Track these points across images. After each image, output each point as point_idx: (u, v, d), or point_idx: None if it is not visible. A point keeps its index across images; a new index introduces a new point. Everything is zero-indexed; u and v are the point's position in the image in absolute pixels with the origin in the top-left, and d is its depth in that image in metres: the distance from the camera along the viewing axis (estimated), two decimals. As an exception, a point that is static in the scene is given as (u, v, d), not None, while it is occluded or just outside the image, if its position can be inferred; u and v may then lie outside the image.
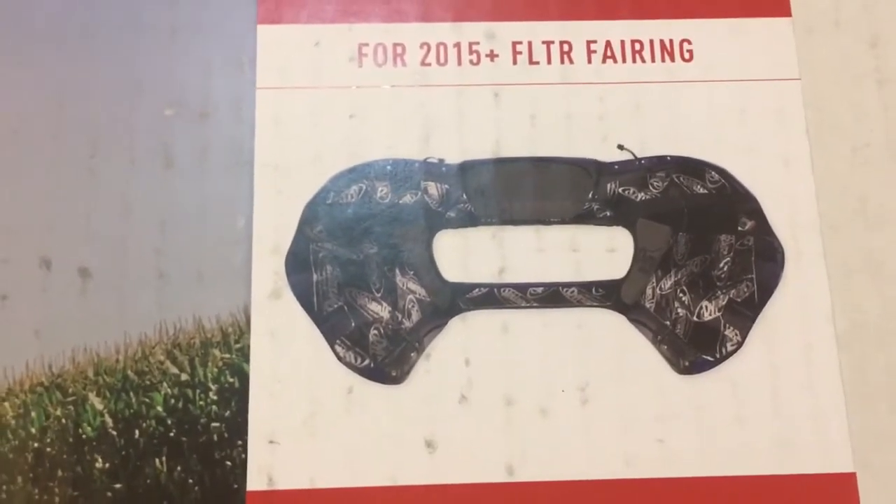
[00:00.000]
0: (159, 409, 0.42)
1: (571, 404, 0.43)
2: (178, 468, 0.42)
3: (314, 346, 0.44)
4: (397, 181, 0.46)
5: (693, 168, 0.47)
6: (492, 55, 0.48)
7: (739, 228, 0.46)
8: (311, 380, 0.43)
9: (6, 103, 0.46)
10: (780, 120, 0.48)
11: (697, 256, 0.46)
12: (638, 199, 0.46)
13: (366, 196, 0.46)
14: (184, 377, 0.43)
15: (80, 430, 0.42)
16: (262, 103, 0.47)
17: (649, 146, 0.47)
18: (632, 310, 0.45)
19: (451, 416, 0.43)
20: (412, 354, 0.44)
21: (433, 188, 0.46)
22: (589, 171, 0.46)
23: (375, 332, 0.44)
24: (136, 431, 0.42)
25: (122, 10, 0.48)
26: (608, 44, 0.48)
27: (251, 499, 0.42)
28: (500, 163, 0.46)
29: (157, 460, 0.42)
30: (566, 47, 0.48)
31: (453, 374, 0.44)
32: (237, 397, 0.43)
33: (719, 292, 0.45)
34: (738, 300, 0.45)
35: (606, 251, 0.46)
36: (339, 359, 0.43)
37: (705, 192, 0.46)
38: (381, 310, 0.44)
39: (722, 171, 0.47)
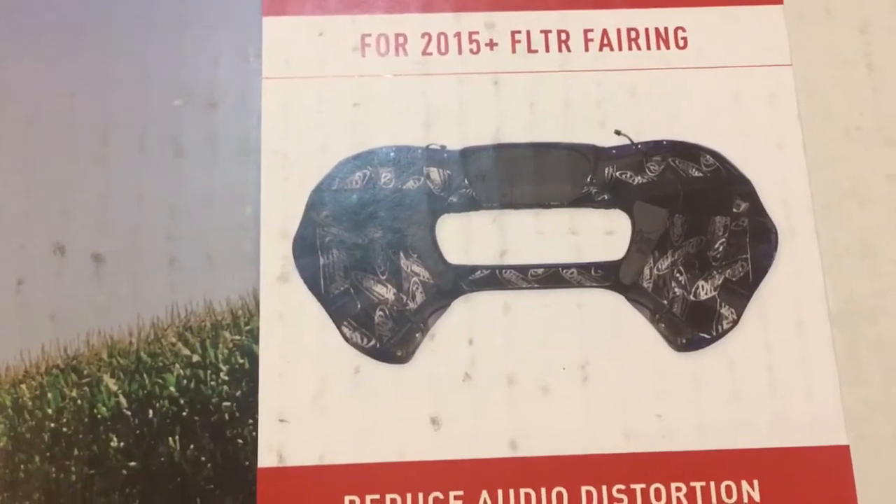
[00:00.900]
0: (172, 389, 0.44)
1: (572, 382, 0.45)
2: (191, 446, 0.43)
3: (321, 327, 0.45)
4: (400, 167, 0.47)
5: (688, 152, 0.48)
6: (491, 44, 0.49)
7: (734, 210, 0.47)
8: (319, 360, 0.45)
9: (21, 95, 0.47)
10: (772, 104, 0.49)
11: (693, 237, 0.47)
12: (635, 182, 0.47)
13: (370, 182, 0.47)
14: (195, 358, 0.44)
15: (96, 411, 0.43)
16: (269, 93, 0.48)
17: (645, 131, 0.48)
18: (630, 290, 0.46)
19: (455, 394, 0.44)
20: (417, 335, 0.45)
21: (435, 174, 0.47)
22: (587, 156, 0.48)
23: (381, 313, 0.45)
24: (150, 411, 0.43)
25: (131, 4, 0.49)
26: (605, 32, 0.50)
27: (262, 475, 0.43)
28: (501, 149, 0.48)
29: (170, 439, 0.43)
30: (564, 36, 0.50)
31: (457, 353, 0.45)
32: (247, 377, 0.44)
33: (715, 272, 0.46)
34: (734, 279, 0.46)
35: (605, 233, 0.47)
36: (346, 339, 0.45)
37: (700, 175, 0.48)
38: (387, 292, 0.46)
39: (716, 155, 0.48)
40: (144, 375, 0.44)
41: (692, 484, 0.43)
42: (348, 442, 0.43)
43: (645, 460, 0.44)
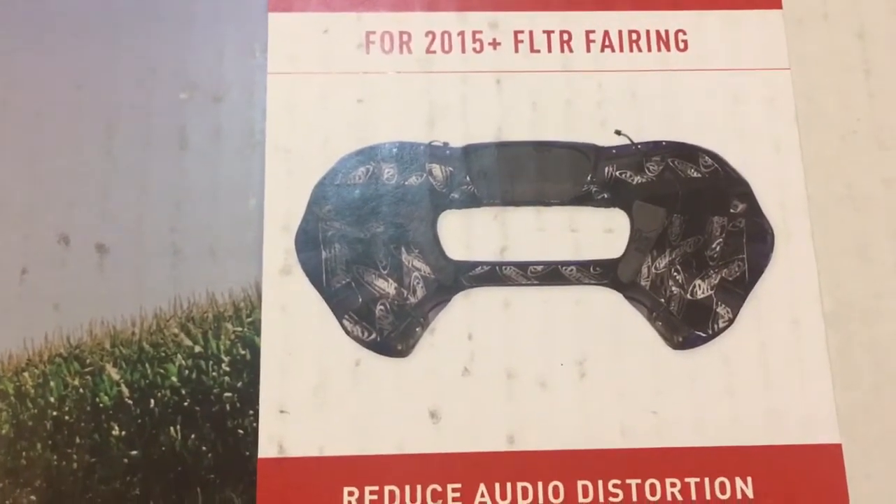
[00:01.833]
0: (174, 379, 0.44)
1: (570, 377, 0.45)
2: (192, 436, 0.43)
3: (323, 320, 0.45)
4: (403, 163, 0.48)
5: (687, 153, 0.48)
6: (494, 43, 0.50)
7: (731, 210, 0.48)
8: (320, 352, 0.45)
9: (29, 88, 0.48)
10: (770, 108, 0.50)
11: (691, 237, 0.47)
12: (634, 182, 0.48)
13: (373, 177, 0.47)
14: (197, 349, 0.45)
15: (98, 400, 0.44)
16: (274, 88, 0.48)
17: (645, 132, 0.49)
18: (628, 288, 0.46)
19: (455, 389, 0.45)
20: (417, 329, 0.45)
21: (438, 170, 0.48)
22: (587, 155, 0.48)
23: (382, 307, 0.46)
24: (152, 401, 0.44)
25: (137, -2, 0.50)
26: (606, 33, 0.50)
27: (262, 466, 0.43)
28: (502, 146, 0.48)
29: (171, 428, 0.43)
30: (566, 36, 0.50)
31: (456, 348, 0.45)
32: (248, 369, 0.44)
33: (712, 271, 0.47)
34: (730, 279, 0.47)
35: (604, 232, 0.47)
36: (347, 333, 0.45)
37: (699, 175, 0.48)
38: (388, 286, 0.46)
39: (715, 156, 0.49)
40: (146, 365, 0.44)
41: (687, 480, 0.44)
42: (348, 434, 0.44)
43: (640, 456, 0.44)
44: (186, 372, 0.44)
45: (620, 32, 0.50)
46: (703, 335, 0.46)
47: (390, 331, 0.45)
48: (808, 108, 0.50)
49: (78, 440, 0.43)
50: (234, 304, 0.45)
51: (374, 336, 0.45)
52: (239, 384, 0.44)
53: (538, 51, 0.50)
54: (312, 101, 0.48)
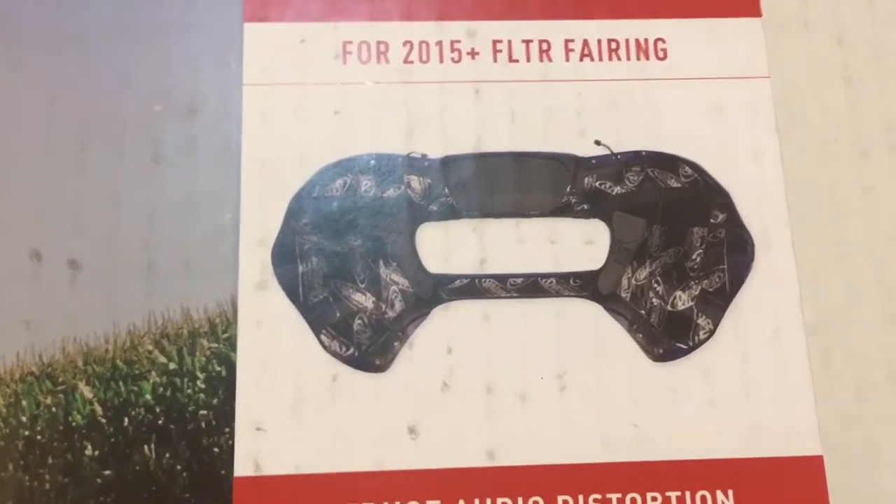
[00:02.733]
0: (148, 397, 0.43)
1: (550, 391, 0.45)
2: (167, 455, 0.43)
3: (300, 335, 0.45)
4: (381, 175, 0.47)
5: (667, 163, 0.48)
6: (473, 53, 0.49)
7: (711, 221, 0.48)
8: (297, 368, 0.44)
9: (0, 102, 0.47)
10: (750, 116, 0.50)
11: (671, 248, 0.47)
12: (614, 192, 0.48)
13: (350, 190, 0.47)
14: (172, 366, 0.44)
15: (70, 419, 0.43)
16: (249, 99, 0.48)
17: (625, 142, 0.48)
18: (608, 300, 0.46)
19: (434, 403, 0.44)
20: (395, 343, 0.45)
21: (416, 182, 0.47)
22: (567, 166, 0.48)
23: (360, 321, 0.45)
24: (126, 419, 0.43)
25: (110, 10, 0.49)
26: (585, 42, 0.50)
27: (238, 484, 0.43)
28: (481, 157, 0.48)
29: (145, 447, 0.43)
30: (545, 46, 0.50)
31: (436, 362, 0.45)
32: (224, 386, 0.44)
33: (692, 282, 0.47)
34: (710, 290, 0.47)
35: (584, 243, 0.47)
36: (325, 348, 0.45)
37: (679, 185, 0.48)
38: (366, 300, 0.45)
39: (695, 166, 0.48)
40: (120, 383, 0.43)
41: (668, 493, 0.44)
42: (326, 451, 0.43)
43: (621, 470, 0.44)
44: (161, 389, 0.43)
45: (599, 41, 0.50)
46: (684, 347, 0.46)
47: (368, 345, 0.45)
48: (787, 116, 0.50)
49: (50, 460, 0.42)
50: (210, 319, 0.44)
51: (351, 351, 0.45)
52: (214, 401, 0.43)
53: (517, 60, 0.49)
54: (289, 113, 0.48)
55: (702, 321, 0.46)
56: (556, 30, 0.50)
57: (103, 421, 0.43)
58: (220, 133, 0.47)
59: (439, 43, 0.49)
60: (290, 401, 0.44)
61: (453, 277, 0.46)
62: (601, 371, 0.45)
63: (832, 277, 0.48)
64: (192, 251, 0.45)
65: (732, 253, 0.47)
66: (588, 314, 0.46)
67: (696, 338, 0.46)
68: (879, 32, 0.53)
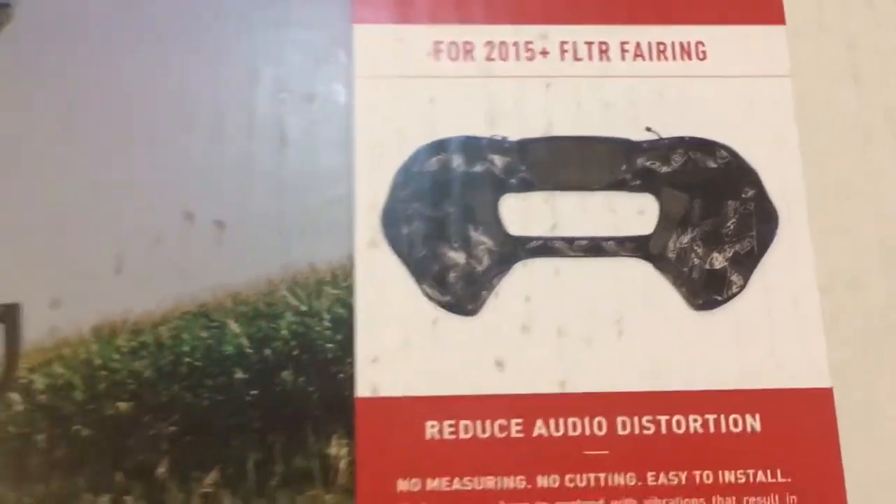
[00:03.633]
0: (284, 332, 0.53)
1: (609, 333, 0.54)
2: (301, 379, 0.52)
3: (406, 285, 0.54)
4: (469, 154, 0.56)
5: (706, 147, 0.58)
6: (544, 52, 0.59)
7: (743, 195, 0.57)
8: (404, 312, 0.54)
9: (140, 93, 0.56)
10: (774, 109, 0.59)
11: (709, 218, 0.57)
12: (662, 171, 0.57)
13: (444, 165, 0.56)
14: (303, 308, 0.53)
15: (223, 349, 0.53)
16: (359, 89, 0.57)
17: (670, 129, 0.58)
18: (657, 259, 0.56)
19: (515, 342, 0.54)
20: (483, 293, 0.54)
21: (498, 160, 0.56)
22: (622, 148, 0.57)
23: (454, 274, 0.55)
24: (267, 350, 0.53)
25: (235, 10, 0.58)
26: (637, 45, 0.59)
27: (359, 404, 0.52)
28: (551, 140, 0.57)
29: (284, 373, 0.52)
30: (604, 47, 0.59)
31: (516, 308, 0.55)
32: (345, 325, 0.53)
33: (726, 246, 0.56)
34: (742, 252, 0.56)
35: (637, 213, 0.57)
36: (426, 296, 0.54)
37: (715, 166, 0.57)
38: (459, 257, 0.55)
39: (729, 150, 0.58)
40: (262, 321, 0.53)
41: (706, 416, 0.54)
42: (429, 378, 0.53)
43: (668, 397, 0.54)
44: (294, 327, 0.53)
45: (650, 43, 0.59)
46: (719, 298, 0.55)
47: (462, 294, 0.54)
48: (805, 109, 0.59)
49: (209, 382, 0.52)
50: (332, 271, 0.54)
51: (448, 298, 0.54)
52: (338, 337, 0.53)
53: (580, 59, 0.59)
54: (391, 101, 0.57)
55: (734, 278, 0.56)
56: (614, 34, 0.59)
57: (249, 351, 0.53)
58: (336, 118, 0.56)
59: (516, 43, 0.59)
60: (399, 338, 0.53)
61: (530, 239, 0.55)
62: (651, 318, 0.55)
63: (841, 245, 0.58)
64: (316, 216, 0.55)
65: (760, 222, 0.57)
66: (640, 271, 0.56)
67: (729, 291, 0.56)
68: (884, 37, 0.62)
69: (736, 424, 0.54)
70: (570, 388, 0.54)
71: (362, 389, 0.53)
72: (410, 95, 0.58)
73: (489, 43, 0.59)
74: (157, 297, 0.53)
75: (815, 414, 0.54)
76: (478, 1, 0.59)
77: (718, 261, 0.57)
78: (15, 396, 0.51)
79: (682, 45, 0.60)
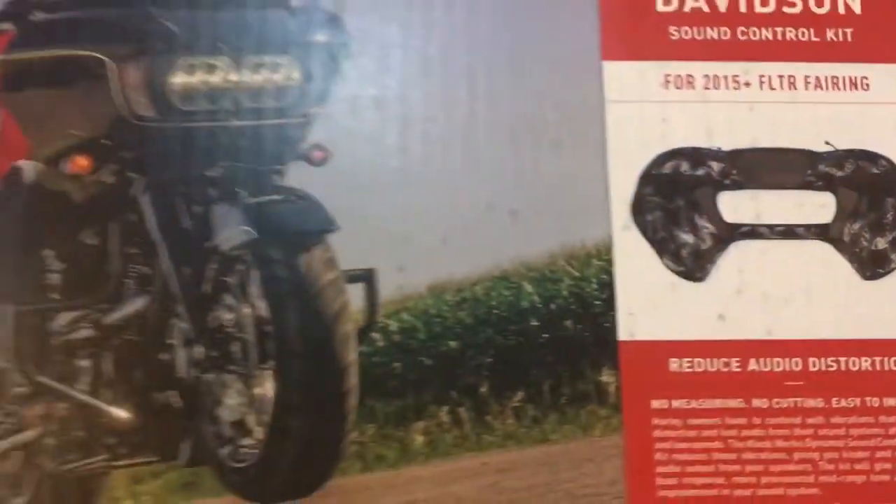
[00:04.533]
0: (564, 293, 0.72)
1: (801, 296, 0.73)
2: (579, 326, 0.71)
3: (651, 258, 0.73)
4: (693, 160, 0.75)
5: (870, 157, 0.76)
6: (747, 84, 0.77)
7: (900, 194, 0.76)
8: (649, 279, 0.73)
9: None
10: (920, 127, 0.77)
11: (873, 211, 0.75)
12: (837, 175, 0.75)
13: (675, 169, 0.74)
14: (577, 274, 0.72)
15: (520, 303, 0.71)
16: (610, 111, 0.75)
17: (843, 143, 0.76)
18: (836, 242, 0.74)
19: (733, 302, 0.73)
20: (708, 265, 0.73)
21: (715, 165, 0.75)
22: (808, 157, 0.75)
23: (685, 251, 0.73)
24: (552, 305, 0.71)
25: (515, 47, 0.76)
26: (817, 78, 0.77)
27: (622, 345, 0.71)
28: (755, 151, 0.75)
29: (566, 321, 0.71)
30: (792, 79, 0.77)
31: (732, 277, 0.73)
32: (608, 287, 0.72)
33: (887, 232, 0.75)
34: (899, 237, 0.75)
35: (820, 207, 0.75)
36: (666, 266, 0.73)
37: (878, 172, 0.75)
38: (688, 238, 0.73)
39: (887, 159, 0.76)
40: (548, 284, 0.72)
41: (874, 357, 0.72)
42: (670, 327, 0.72)
43: (846, 343, 0.73)
44: (572, 288, 0.72)
45: (826, 77, 0.77)
46: (882, 271, 0.74)
47: (692, 266, 0.73)
48: (944, 127, 0.78)
49: (511, 327, 0.71)
50: (597, 248, 0.73)
51: (682, 268, 0.73)
52: (603, 296, 0.72)
53: (774, 88, 0.77)
54: (634, 120, 0.75)
55: (893, 256, 0.74)
56: (799, 69, 0.77)
57: (539, 306, 0.71)
58: (594, 132, 0.75)
59: (726, 77, 0.77)
60: (647, 297, 0.72)
61: (741, 226, 0.74)
62: (832, 285, 0.73)
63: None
64: (583, 206, 0.73)
65: (913, 215, 0.75)
66: (823, 250, 0.74)
67: (890, 266, 0.74)
68: None
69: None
70: (775, 336, 0.73)
71: (623, 334, 0.72)
72: (648, 116, 0.76)
73: (706, 76, 0.77)
74: (472, 264, 0.72)
75: (956, 358, 0.73)
76: (697, 44, 0.77)
77: (881, 243, 0.75)
78: (376, 336, 0.70)
79: (851, 78, 0.78)
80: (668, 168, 0.76)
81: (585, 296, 0.72)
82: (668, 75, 0.78)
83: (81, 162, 0.67)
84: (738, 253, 0.74)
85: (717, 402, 0.72)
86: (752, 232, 0.75)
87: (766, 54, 0.78)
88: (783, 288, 0.74)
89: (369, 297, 0.70)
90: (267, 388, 0.67)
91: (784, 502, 0.71)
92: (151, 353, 0.67)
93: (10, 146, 0.68)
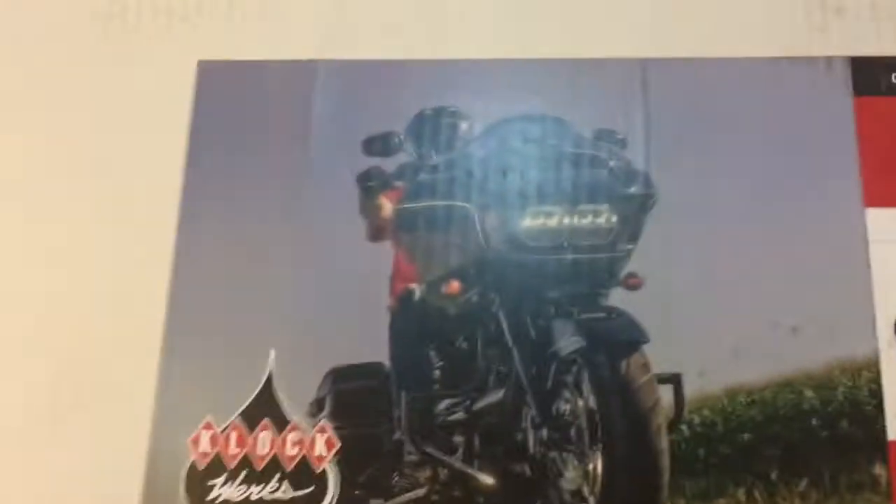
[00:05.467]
0: (840, 398, 0.86)
1: None
2: (854, 426, 0.85)
3: None
4: None
5: None
6: None
7: None
8: None
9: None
10: None
11: None
12: None
13: None
14: (848, 384, 0.87)
15: (803, 405, 0.86)
16: (873, 250, 0.91)
17: None
18: None
19: None
20: None
21: None
22: None
23: None
24: (830, 408, 0.86)
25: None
26: None
27: (892, 445, 0.85)
28: None
29: (843, 422, 0.85)
30: None
31: None
32: (878, 395, 0.86)
33: None
34: None
35: None
36: None
37: None
38: None
39: None
40: (824, 390, 0.87)
41: None
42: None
43: None
44: (846, 394, 0.86)
45: None
46: None
47: None
48: None
49: (795, 424, 0.86)
50: (867, 360, 0.87)
51: None
52: (874, 401, 0.86)
53: None
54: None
55: None
56: None
57: (819, 408, 0.86)
58: (859, 268, 0.90)
59: None
60: (913, 404, 0.86)
61: None
62: None
63: None
64: (845, 324, 0.88)
65: None
66: None
67: None
68: None
69: None
70: None
71: (892, 435, 0.86)
72: (904, 253, 0.91)
73: None
74: (759, 372, 0.88)
75: None
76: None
77: None
78: (683, 427, 0.87)
79: None
80: None
81: (858, 401, 0.87)
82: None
83: (455, 286, 0.89)
84: None
85: (981, 496, 0.84)
86: None
87: None
88: None
89: (677, 395, 0.88)
90: (597, 464, 0.85)
91: None
92: (508, 433, 0.87)
93: (403, 273, 0.91)
